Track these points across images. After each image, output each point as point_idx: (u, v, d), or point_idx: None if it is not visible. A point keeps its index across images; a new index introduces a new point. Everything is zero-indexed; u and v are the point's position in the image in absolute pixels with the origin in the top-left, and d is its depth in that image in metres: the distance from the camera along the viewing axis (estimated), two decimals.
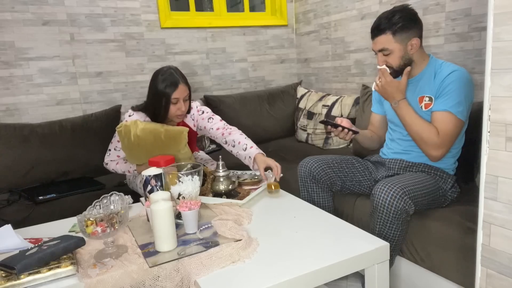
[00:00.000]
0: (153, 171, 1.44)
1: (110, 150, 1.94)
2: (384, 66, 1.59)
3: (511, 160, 0.85)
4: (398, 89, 1.57)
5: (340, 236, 1.26)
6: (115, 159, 1.94)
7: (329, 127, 1.70)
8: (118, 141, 1.89)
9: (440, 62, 1.61)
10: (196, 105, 2.04)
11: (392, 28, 1.52)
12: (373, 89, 1.69)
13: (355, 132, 1.69)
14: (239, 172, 1.90)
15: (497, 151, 0.87)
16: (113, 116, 2.53)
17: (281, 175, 1.70)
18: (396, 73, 1.61)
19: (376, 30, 1.57)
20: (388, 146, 1.81)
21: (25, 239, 1.35)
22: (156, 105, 1.83)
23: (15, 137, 2.20)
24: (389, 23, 1.53)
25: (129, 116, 1.90)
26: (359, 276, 1.80)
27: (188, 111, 1.96)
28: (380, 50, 1.58)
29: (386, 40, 1.54)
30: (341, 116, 2.51)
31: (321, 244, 1.21)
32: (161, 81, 1.81)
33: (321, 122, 1.70)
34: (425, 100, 1.59)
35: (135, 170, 1.88)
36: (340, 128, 1.67)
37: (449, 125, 1.51)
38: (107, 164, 1.95)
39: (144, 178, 1.42)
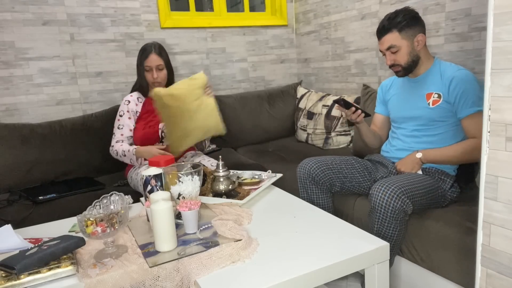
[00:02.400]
0: (153, 171, 1.44)
1: (114, 133, 2.05)
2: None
3: (511, 160, 0.85)
4: (411, 158, 1.66)
5: (340, 236, 1.26)
6: (119, 138, 2.03)
7: (336, 105, 1.71)
8: (118, 120, 2.05)
9: (444, 63, 1.66)
10: None
11: (398, 26, 1.58)
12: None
13: (367, 115, 1.70)
14: (239, 172, 1.90)
15: (497, 151, 0.87)
16: (113, 116, 2.52)
17: None
18: (405, 70, 1.64)
19: (383, 30, 1.62)
20: (391, 144, 1.82)
21: (25, 239, 1.35)
22: (139, 75, 2.08)
23: (15, 137, 2.19)
24: (394, 22, 1.58)
25: (130, 96, 2.09)
26: (359, 276, 1.80)
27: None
28: (388, 48, 1.62)
29: (393, 37, 1.59)
30: (341, 116, 2.52)
31: (321, 244, 1.21)
32: (139, 52, 2.06)
33: (335, 101, 1.71)
34: (433, 97, 1.62)
35: (134, 148, 1.96)
36: (353, 109, 1.68)
37: (481, 123, 1.53)
38: (112, 146, 2.03)
39: (144, 178, 1.43)
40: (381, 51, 1.66)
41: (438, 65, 1.65)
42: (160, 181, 1.44)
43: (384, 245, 1.19)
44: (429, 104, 1.62)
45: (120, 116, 2.07)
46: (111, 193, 1.29)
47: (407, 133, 1.72)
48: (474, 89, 1.53)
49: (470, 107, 1.54)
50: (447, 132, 1.63)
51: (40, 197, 1.92)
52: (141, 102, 2.10)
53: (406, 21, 1.57)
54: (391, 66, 1.66)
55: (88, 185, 2.09)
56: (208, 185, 1.66)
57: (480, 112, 1.53)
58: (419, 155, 1.64)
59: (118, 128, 2.05)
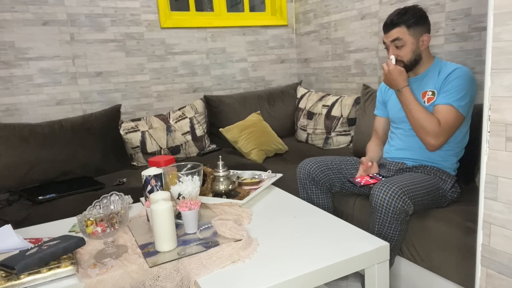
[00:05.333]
0: (153, 171, 1.44)
1: None
2: (391, 57, 1.63)
3: (511, 160, 0.85)
4: (402, 75, 1.60)
5: (340, 236, 1.26)
6: None
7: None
8: None
9: (444, 62, 1.66)
10: None
11: (407, 22, 1.58)
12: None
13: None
14: (239, 172, 1.90)
15: (497, 151, 0.87)
16: (113, 116, 2.53)
17: None
18: (406, 68, 1.64)
19: (391, 24, 1.61)
20: (390, 144, 1.82)
21: (25, 239, 1.35)
22: None
23: (15, 137, 2.19)
24: (403, 18, 1.58)
25: None
26: (359, 276, 1.80)
27: None
28: (394, 40, 1.61)
29: (401, 31, 1.59)
30: (341, 116, 2.51)
31: (321, 244, 1.21)
32: None
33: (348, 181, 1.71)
34: (428, 95, 1.62)
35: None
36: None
37: (449, 117, 1.53)
38: None
39: (144, 178, 1.42)
40: (385, 44, 1.66)
41: (438, 64, 1.65)
42: (160, 181, 1.44)
43: (384, 245, 1.18)
44: (424, 102, 1.62)
45: None
46: (111, 193, 1.29)
47: (406, 132, 1.72)
48: (463, 86, 1.53)
49: (447, 98, 1.54)
50: None
51: (40, 197, 1.92)
52: None
53: (415, 18, 1.57)
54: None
55: (87, 185, 2.09)
56: (208, 185, 1.66)
57: (451, 108, 1.53)
58: (398, 91, 1.60)
59: None
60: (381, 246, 1.18)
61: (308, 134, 2.72)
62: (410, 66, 1.64)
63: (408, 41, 1.59)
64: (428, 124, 1.54)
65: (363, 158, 1.75)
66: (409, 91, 1.59)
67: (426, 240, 1.48)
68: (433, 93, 1.61)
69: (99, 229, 1.15)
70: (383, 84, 1.91)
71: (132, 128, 2.53)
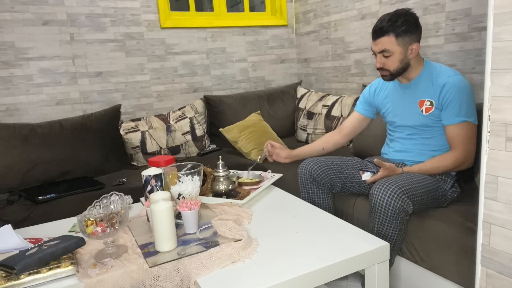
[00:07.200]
0: (153, 171, 1.44)
1: None
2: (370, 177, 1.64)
3: (511, 160, 0.85)
4: (392, 169, 1.61)
5: (340, 236, 1.26)
6: None
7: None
8: None
9: (434, 65, 1.63)
10: None
11: (396, 30, 1.53)
12: (364, 178, 1.69)
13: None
14: (239, 172, 1.90)
15: (497, 151, 0.87)
16: (113, 116, 2.53)
17: None
18: (392, 76, 1.63)
19: (379, 31, 1.57)
20: (389, 145, 1.82)
21: (25, 239, 1.35)
22: None
23: (15, 137, 2.19)
24: (393, 26, 1.53)
25: None
26: (359, 276, 1.81)
27: None
28: (381, 52, 1.58)
29: (389, 41, 1.55)
30: (341, 116, 2.51)
31: (321, 244, 1.21)
32: None
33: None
34: (426, 104, 1.60)
35: None
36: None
37: (469, 134, 1.54)
38: None
39: (144, 178, 1.42)
40: (373, 51, 1.64)
41: (428, 69, 1.62)
42: (160, 181, 1.44)
43: (384, 245, 1.19)
44: (422, 111, 1.61)
45: None
46: (111, 193, 1.29)
47: (404, 136, 1.72)
48: (464, 98, 1.51)
49: (456, 116, 1.53)
50: (443, 134, 1.62)
51: (40, 197, 1.92)
52: None
53: (405, 26, 1.52)
54: (379, 69, 1.64)
55: (88, 185, 2.09)
56: (208, 185, 1.66)
57: (465, 123, 1.52)
58: (406, 169, 1.63)
59: None
60: (381, 246, 1.18)
61: (308, 134, 2.72)
62: (397, 74, 1.61)
63: (396, 51, 1.55)
64: (450, 165, 1.56)
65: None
66: (408, 168, 1.62)
67: (426, 240, 1.48)
68: (431, 103, 1.59)
69: (99, 229, 1.15)
70: (373, 83, 1.87)
71: (132, 128, 2.53)
